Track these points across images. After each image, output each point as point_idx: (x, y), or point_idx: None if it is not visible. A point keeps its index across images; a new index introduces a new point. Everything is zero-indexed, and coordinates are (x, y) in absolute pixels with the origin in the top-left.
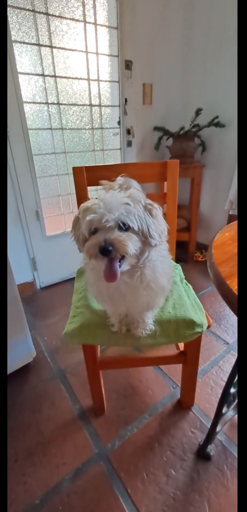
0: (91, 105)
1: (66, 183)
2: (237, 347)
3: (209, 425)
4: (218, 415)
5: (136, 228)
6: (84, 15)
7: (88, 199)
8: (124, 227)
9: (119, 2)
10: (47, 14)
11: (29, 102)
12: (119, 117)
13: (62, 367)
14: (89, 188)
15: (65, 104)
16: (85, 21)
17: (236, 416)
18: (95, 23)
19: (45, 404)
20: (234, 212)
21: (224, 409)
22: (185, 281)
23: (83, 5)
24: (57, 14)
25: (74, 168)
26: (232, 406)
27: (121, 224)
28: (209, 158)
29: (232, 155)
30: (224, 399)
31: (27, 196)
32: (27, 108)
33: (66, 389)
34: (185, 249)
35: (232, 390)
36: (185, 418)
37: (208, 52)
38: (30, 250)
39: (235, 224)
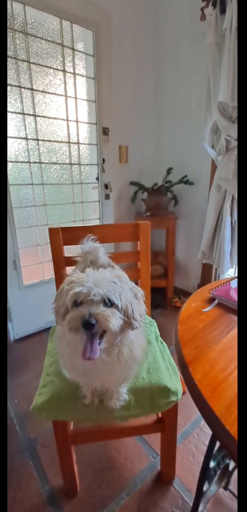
0: (71, 163)
1: (45, 233)
2: None
3: (191, 503)
4: (199, 494)
5: (119, 306)
6: (65, 90)
7: (64, 257)
8: (109, 303)
9: (97, 81)
10: (32, 89)
11: (12, 161)
12: (98, 174)
13: (32, 437)
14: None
15: (46, 163)
16: (66, 96)
17: (221, 490)
18: (75, 98)
19: (11, 485)
20: (207, 261)
21: (206, 486)
22: (160, 339)
23: (65, 83)
24: (41, 90)
25: (50, 229)
26: (214, 480)
27: (106, 300)
28: (182, 210)
29: (202, 208)
30: (204, 475)
31: None
32: (9, 165)
33: (35, 466)
34: (164, 295)
35: (212, 464)
36: (165, 495)
37: (176, 121)
38: None
39: (201, 291)
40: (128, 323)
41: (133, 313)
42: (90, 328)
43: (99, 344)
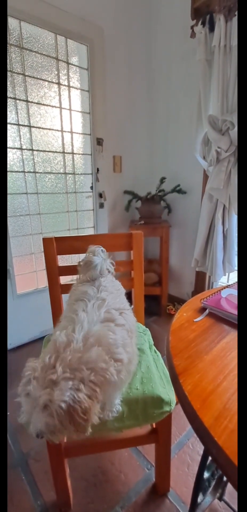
0: (65, 173)
1: (39, 242)
2: None
3: None
4: (194, 506)
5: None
6: (60, 102)
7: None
8: None
9: (91, 93)
10: (27, 101)
11: (7, 171)
12: (92, 183)
13: (24, 451)
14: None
15: (41, 173)
16: (61, 107)
17: (216, 501)
18: (70, 109)
19: None
20: (200, 269)
21: (200, 498)
22: (154, 348)
23: (59, 95)
24: (35, 101)
25: (44, 239)
26: (209, 491)
27: None
28: (175, 219)
29: (194, 217)
30: (198, 486)
31: None
32: None
33: (27, 480)
34: (158, 302)
35: (206, 474)
36: (160, 508)
37: (168, 133)
38: None
39: (193, 301)
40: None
41: (74, 419)
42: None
43: None
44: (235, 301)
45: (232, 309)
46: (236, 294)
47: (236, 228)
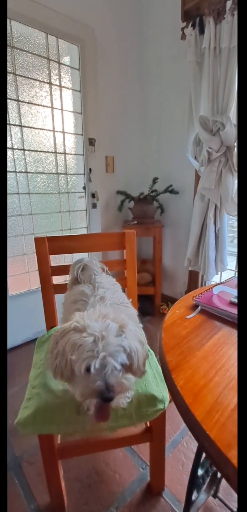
0: (58, 173)
1: (32, 242)
2: None
3: None
4: (188, 503)
5: (128, 363)
6: (51, 102)
7: (50, 265)
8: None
9: (83, 94)
10: (18, 100)
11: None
12: (84, 183)
13: (17, 454)
14: None
15: (33, 173)
16: (52, 107)
17: (210, 498)
18: (61, 109)
19: None
20: (193, 268)
21: (194, 495)
22: (147, 346)
23: (51, 95)
24: (27, 101)
25: (36, 239)
26: (203, 488)
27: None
28: (168, 219)
29: (187, 216)
30: (193, 484)
31: None
32: None
33: (20, 484)
34: (152, 302)
35: (200, 472)
36: (155, 507)
37: (161, 133)
38: None
39: (185, 299)
40: (134, 371)
41: (139, 362)
42: (109, 400)
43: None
44: (227, 297)
45: (223, 306)
46: (228, 291)
47: (227, 228)
